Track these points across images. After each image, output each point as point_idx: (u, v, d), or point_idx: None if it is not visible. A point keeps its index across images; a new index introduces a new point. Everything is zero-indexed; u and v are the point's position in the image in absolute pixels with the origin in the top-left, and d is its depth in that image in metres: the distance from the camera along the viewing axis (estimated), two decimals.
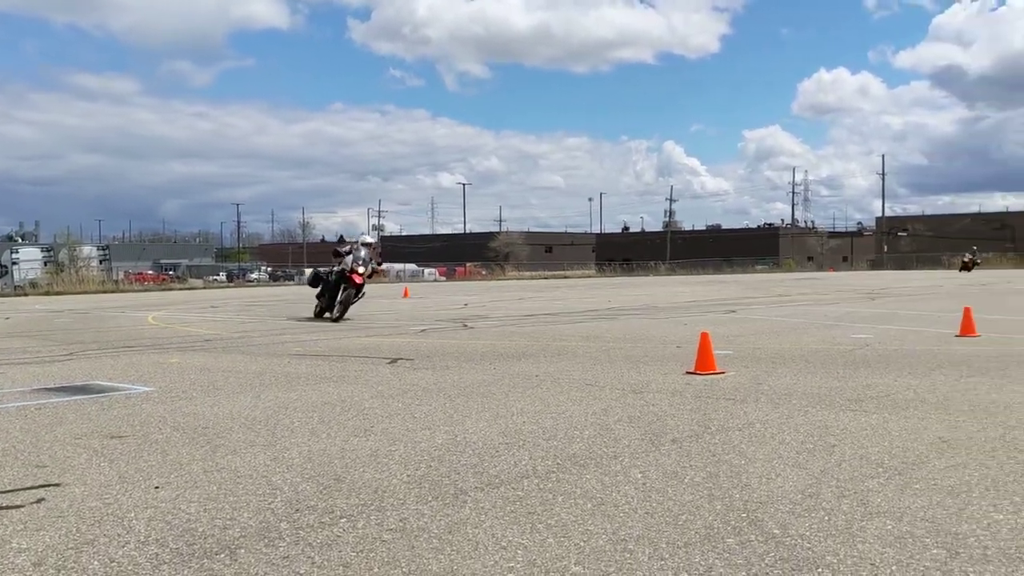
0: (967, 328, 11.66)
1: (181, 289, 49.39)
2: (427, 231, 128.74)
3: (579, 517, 3.79)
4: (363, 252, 17.34)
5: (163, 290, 47.69)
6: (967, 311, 12.13)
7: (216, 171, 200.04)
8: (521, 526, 3.67)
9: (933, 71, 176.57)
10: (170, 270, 78.41)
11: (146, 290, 47.26)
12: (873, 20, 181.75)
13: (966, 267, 54.43)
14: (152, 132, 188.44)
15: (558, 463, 4.79)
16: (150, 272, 76.24)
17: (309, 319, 17.60)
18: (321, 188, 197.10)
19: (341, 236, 19.31)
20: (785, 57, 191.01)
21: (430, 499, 4.10)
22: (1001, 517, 3.69)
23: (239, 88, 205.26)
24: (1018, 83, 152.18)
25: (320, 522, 3.77)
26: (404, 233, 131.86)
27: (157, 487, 4.41)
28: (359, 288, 17.15)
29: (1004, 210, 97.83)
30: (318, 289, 17.83)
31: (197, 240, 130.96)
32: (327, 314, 17.35)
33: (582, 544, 3.44)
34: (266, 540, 3.54)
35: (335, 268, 17.36)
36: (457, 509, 3.93)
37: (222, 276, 76.69)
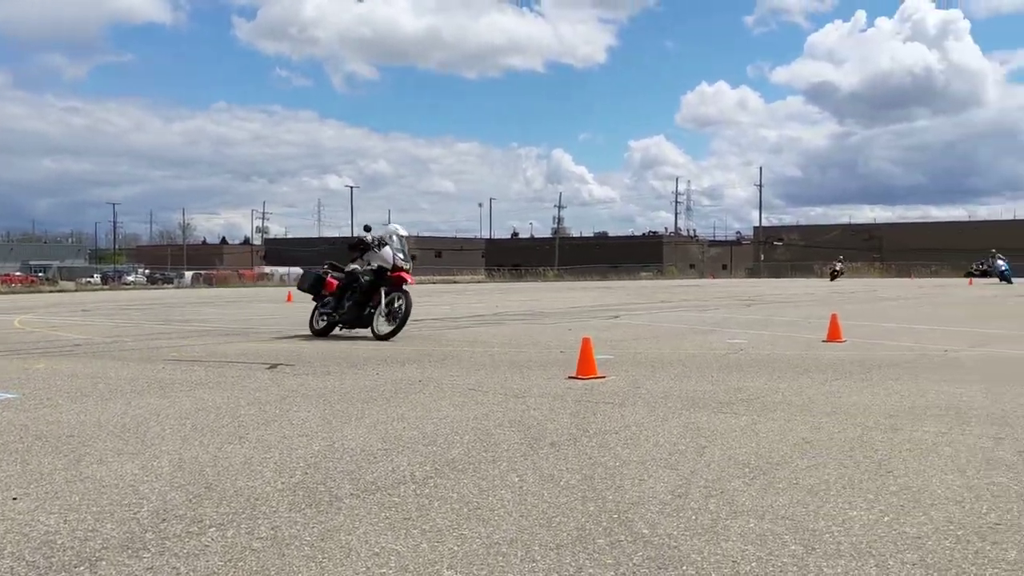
0: (834, 334, 12.21)
1: (51, 291, 47.20)
2: (314, 234, 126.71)
3: (454, 522, 3.80)
4: (398, 244, 13.63)
5: (32, 292, 45.47)
6: (834, 317, 12.71)
7: (91, 169, 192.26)
8: (396, 532, 3.66)
9: (807, 87, 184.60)
10: (40, 271, 74.87)
11: (13, 292, 44.99)
12: (752, 36, 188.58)
13: (833, 276, 55.91)
14: (22, 127, 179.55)
15: (436, 468, 4.79)
16: (18, 273, 72.67)
17: (300, 337, 13.72)
18: (203, 189, 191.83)
19: (367, 225, 14.66)
20: (669, 70, 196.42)
21: (304, 506, 4.04)
22: (855, 513, 3.89)
23: (116, 84, 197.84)
24: (883, 102, 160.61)
25: (188, 531, 3.67)
26: (290, 236, 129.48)
27: (15, 498, 4.20)
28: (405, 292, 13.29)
29: (872, 221, 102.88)
30: (329, 296, 14.02)
31: (70, 240, 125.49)
32: (342, 328, 13.71)
33: (456, 548, 3.46)
34: (130, 551, 3.43)
35: (361, 267, 13.73)
36: (331, 516, 3.89)
37: (96, 278, 73.75)
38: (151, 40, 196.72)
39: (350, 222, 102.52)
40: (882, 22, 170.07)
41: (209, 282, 64.80)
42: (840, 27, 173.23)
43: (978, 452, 5.09)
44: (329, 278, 14.31)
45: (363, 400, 7.20)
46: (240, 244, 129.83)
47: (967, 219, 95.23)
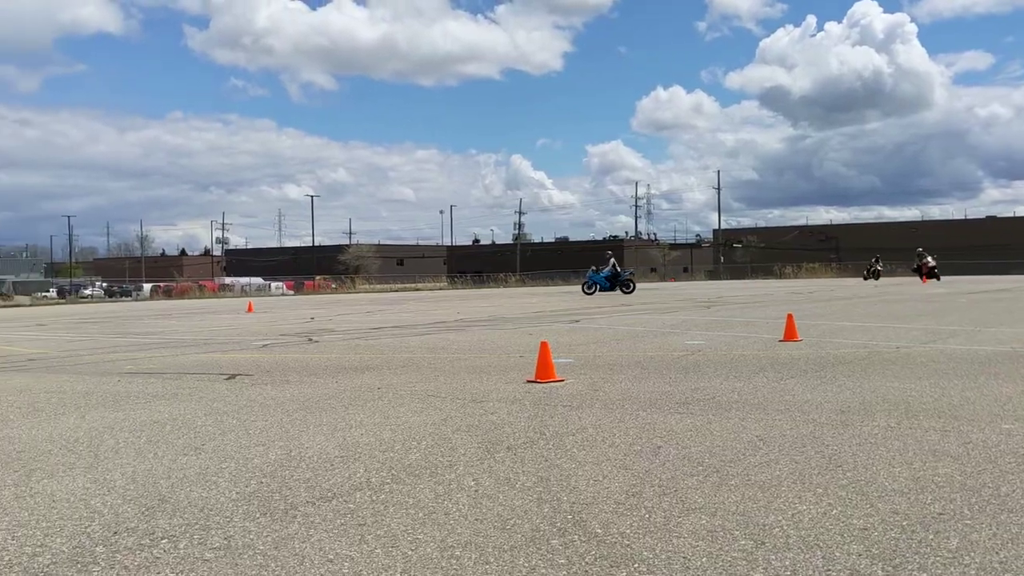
0: (790, 333, 12.38)
1: (5, 306, 46.36)
2: (274, 244, 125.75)
3: (409, 527, 3.81)
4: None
5: None
6: (790, 317, 12.88)
7: (45, 181, 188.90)
8: (350, 538, 3.66)
9: (760, 91, 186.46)
10: None
11: None
12: (705, 42, 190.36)
13: (872, 275, 48.18)
14: None
15: (393, 474, 4.80)
16: None
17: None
18: (160, 200, 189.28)
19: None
20: (624, 75, 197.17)
21: (258, 515, 4.03)
22: (804, 507, 3.96)
23: (69, 95, 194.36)
24: (835, 105, 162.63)
25: (139, 544, 3.64)
26: (250, 246, 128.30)
27: None
28: None
29: (828, 223, 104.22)
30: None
31: (24, 255, 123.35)
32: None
33: (410, 553, 3.47)
34: (79, 566, 3.39)
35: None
36: (286, 524, 3.88)
37: (52, 292, 72.54)
38: (103, 50, 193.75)
39: (311, 231, 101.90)
40: (831, 27, 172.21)
41: (169, 294, 64.01)
42: (791, 32, 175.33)
43: (925, 445, 5.20)
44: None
45: (321, 408, 7.18)
46: (200, 255, 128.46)
47: (920, 219, 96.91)
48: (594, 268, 36.06)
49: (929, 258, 44.02)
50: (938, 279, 42.76)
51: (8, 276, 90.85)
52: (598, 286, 35.08)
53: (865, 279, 48.13)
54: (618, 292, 34.44)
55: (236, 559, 3.43)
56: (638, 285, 37.19)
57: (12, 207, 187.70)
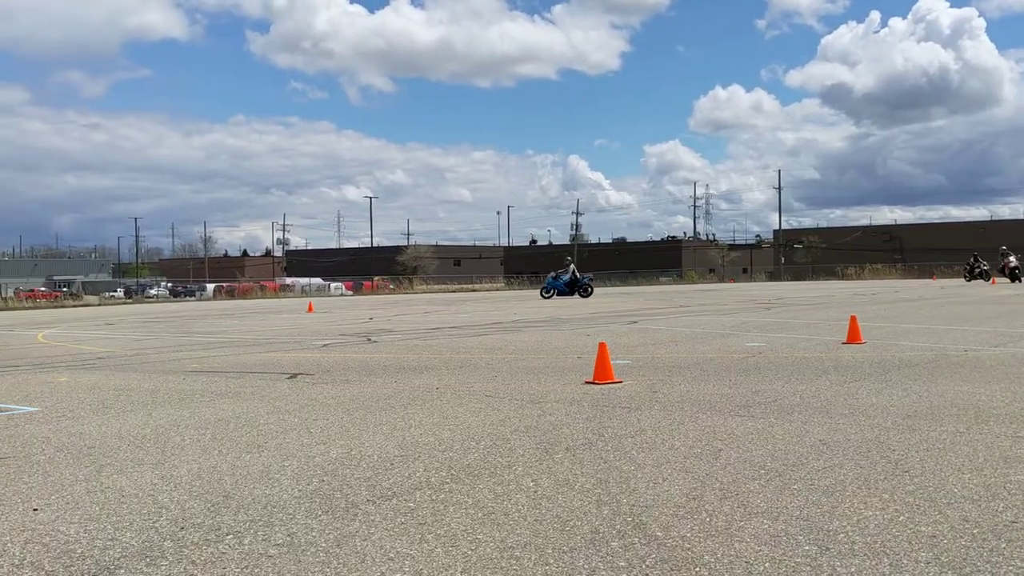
0: (853, 336, 12.15)
1: (75, 306, 47.67)
2: (333, 245, 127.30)
3: (469, 526, 3.83)
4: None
5: (55, 307, 45.92)
6: (853, 319, 12.64)
7: (112, 184, 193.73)
8: (410, 537, 3.69)
9: (822, 89, 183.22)
10: (64, 286, 75.66)
11: (37, 307, 45.45)
12: (765, 39, 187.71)
13: (1011, 276, 40.20)
14: (43, 144, 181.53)
15: (452, 474, 4.82)
16: (42, 289, 73.46)
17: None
18: (223, 202, 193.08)
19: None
20: (682, 74, 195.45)
21: (320, 513, 4.08)
22: (870, 513, 3.88)
23: (135, 99, 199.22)
24: (899, 102, 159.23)
25: (205, 540, 3.71)
26: (310, 247, 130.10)
27: (36, 509, 4.27)
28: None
29: (892, 223, 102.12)
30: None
31: (93, 255, 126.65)
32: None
33: (469, 553, 3.48)
34: (148, 559, 3.47)
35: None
36: (347, 523, 3.92)
37: (120, 292, 74.39)
38: (168, 55, 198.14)
39: (370, 232, 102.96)
40: (895, 22, 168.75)
41: (231, 294, 65.21)
42: (854, 28, 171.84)
43: (995, 451, 5.06)
44: None
45: (380, 408, 7.24)
46: (261, 256, 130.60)
47: (988, 219, 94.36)
48: (553, 274, 36.37)
49: (1012, 257, 40.95)
50: (1021, 280, 39.57)
51: (77, 276, 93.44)
52: (555, 291, 35.20)
53: (969, 279, 43.87)
54: (583, 296, 34.59)
55: (299, 556, 3.47)
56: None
57: (81, 209, 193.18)
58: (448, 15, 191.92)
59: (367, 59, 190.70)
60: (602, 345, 8.87)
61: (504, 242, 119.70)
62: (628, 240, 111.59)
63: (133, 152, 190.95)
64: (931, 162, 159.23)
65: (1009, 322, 15.82)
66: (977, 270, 44.33)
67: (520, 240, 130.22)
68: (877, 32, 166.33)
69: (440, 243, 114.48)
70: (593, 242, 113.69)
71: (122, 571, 3.35)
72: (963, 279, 45.39)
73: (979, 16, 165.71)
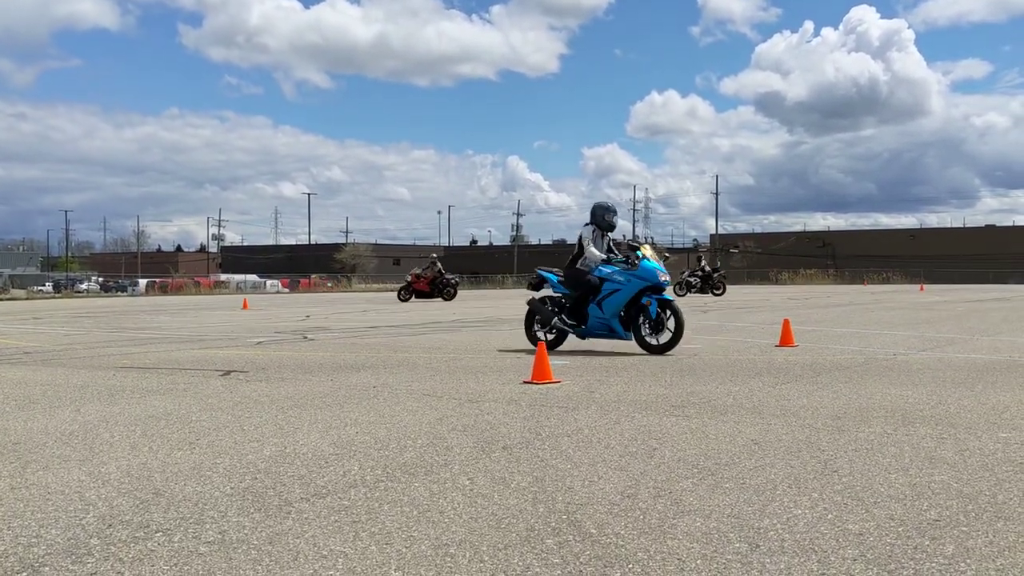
0: (786, 339, 12.39)
1: (1, 300, 46.26)
2: (270, 242, 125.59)
3: (404, 524, 3.80)
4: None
5: None
6: (786, 323, 12.89)
7: (41, 175, 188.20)
8: (344, 535, 3.66)
9: (756, 97, 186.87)
10: None
11: None
12: (700, 47, 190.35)
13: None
14: None
15: (388, 472, 4.79)
16: None
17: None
18: (156, 196, 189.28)
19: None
20: (619, 78, 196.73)
21: (252, 511, 4.02)
22: (800, 512, 3.96)
23: (65, 89, 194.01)
24: (831, 111, 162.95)
25: (134, 537, 3.63)
26: (246, 243, 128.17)
27: None
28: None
29: (825, 229, 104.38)
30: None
31: (20, 248, 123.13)
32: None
33: (404, 550, 3.46)
34: (73, 557, 3.38)
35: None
36: (280, 520, 3.87)
37: (48, 287, 72.43)
38: (99, 46, 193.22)
39: (308, 229, 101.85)
40: (828, 33, 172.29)
41: (164, 290, 63.93)
42: (788, 37, 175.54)
43: (921, 451, 5.20)
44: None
45: (316, 406, 7.17)
46: (195, 252, 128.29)
47: (918, 226, 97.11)
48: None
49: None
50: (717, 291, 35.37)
51: (4, 270, 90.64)
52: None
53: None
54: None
55: (230, 553, 3.42)
56: None
57: (8, 201, 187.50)
58: (384, 13, 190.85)
59: (303, 54, 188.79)
60: (541, 345, 8.91)
61: (444, 242, 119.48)
62: (568, 242, 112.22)
63: (63, 143, 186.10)
64: (862, 170, 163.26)
65: (936, 327, 16.28)
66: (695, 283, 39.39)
67: (460, 240, 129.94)
68: (810, 42, 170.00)
69: (379, 242, 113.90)
70: (533, 243, 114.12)
71: (47, 568, 3.26)
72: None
73: (908, 28, 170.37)
